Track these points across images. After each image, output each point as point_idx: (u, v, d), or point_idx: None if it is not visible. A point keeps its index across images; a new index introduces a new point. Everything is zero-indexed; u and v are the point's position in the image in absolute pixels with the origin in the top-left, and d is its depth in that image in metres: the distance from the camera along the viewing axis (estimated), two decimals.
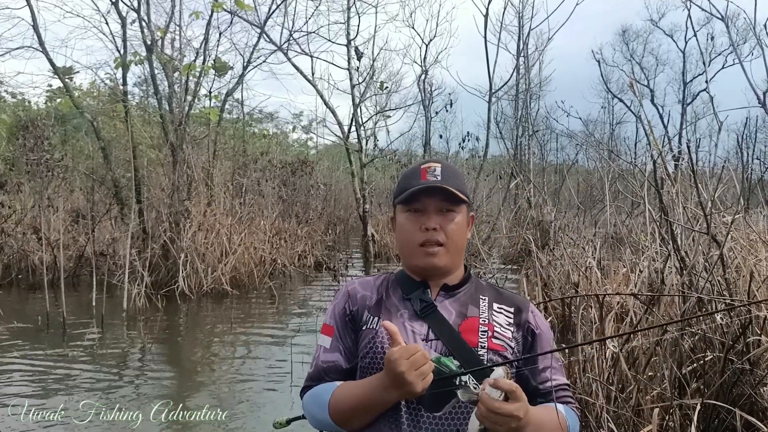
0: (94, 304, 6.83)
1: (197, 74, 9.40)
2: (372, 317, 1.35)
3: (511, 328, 1.34)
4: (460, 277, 1.42)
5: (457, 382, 1.22)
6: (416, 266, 1.38)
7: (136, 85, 11.72)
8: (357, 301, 1.38)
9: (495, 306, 1.36)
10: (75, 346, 5.74)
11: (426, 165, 1.39)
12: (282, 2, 11.67)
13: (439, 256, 1.34)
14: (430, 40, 18.71)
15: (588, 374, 3.17)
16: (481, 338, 1.29)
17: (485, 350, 1.28)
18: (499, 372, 1.14)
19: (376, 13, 15.15)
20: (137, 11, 9.13)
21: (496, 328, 1.32)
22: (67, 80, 9.81)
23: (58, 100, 12.23)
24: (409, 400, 1.24)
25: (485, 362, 1.25)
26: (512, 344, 1.32)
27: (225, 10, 9.66)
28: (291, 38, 12.44)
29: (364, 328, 1.35)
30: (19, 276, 8.99)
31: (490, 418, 1.10)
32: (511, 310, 1.37)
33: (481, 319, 1.33)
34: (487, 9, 15.91)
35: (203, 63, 9.63)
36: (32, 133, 9.09)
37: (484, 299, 1.37)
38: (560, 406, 1.28)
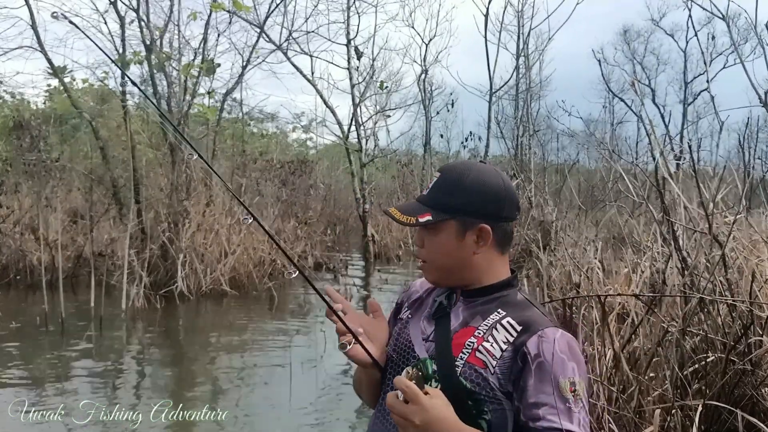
0: (92, 304, 6.81)
1: (195, 74, 9.38)
2: (407, 311, 1.44)
3: (505, 346, 1.21)
4: (485, 285, 1.34)
5: (431, 385, 1.24)
6: None
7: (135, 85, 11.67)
8: (406, 296, 1.49)
9: (505, 321, 1.25)
10: (74, 347, 5.73)
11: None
12: (281, 1, 11.65)
13: (426, 271, 1.36)
14: (430, 40, 18.59)
15: (589, 375, 3.16)
16: (465, 349, 1.23)
17: (463, 362, 1.22)
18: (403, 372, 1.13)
19: (376, 12, 15.06)
20: (136, 11, 9.11)
21: (485, 343, 1.22)
22: (65, 80, 9.78)
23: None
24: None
25: (458, 374, 1.21)
26: (493, 362, 1.20)
27: (224, 10, 9.64)
28: (290, 37, 12.42)
29: (400, 318, 1.45)
30: (17, 276, 8.96)
31: (393, 417, 1.11)
32: (519, 328, 1.23)
33: (477, 331, 1.26)
34: (487, 9, 15.95)
35: (201, 62, 9.60)
36: (27, 132, 9.06)
37: (501, 313, 1.27)
38: None
